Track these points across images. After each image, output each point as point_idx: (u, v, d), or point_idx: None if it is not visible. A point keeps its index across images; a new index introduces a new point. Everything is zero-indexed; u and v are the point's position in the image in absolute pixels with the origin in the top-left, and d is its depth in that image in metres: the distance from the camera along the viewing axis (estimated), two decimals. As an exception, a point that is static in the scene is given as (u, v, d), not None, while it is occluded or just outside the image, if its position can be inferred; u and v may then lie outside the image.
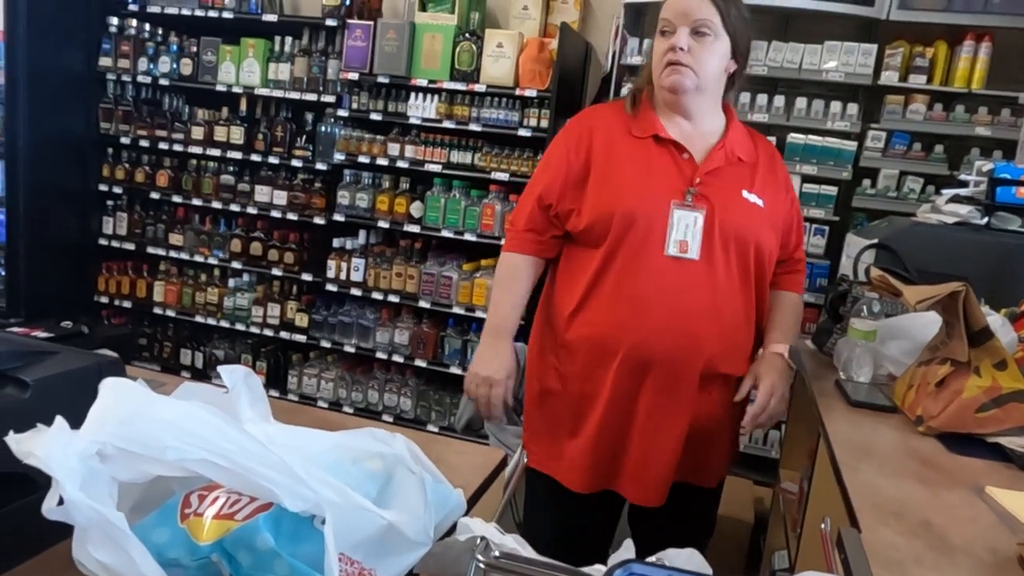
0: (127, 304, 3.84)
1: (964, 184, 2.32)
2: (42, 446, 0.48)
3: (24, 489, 0.71)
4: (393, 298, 3.38)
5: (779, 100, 3.09)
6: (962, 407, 1.38)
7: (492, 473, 1.07)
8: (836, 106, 3.04)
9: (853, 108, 3.04)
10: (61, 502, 0.49)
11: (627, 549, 0.83)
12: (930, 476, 1.25)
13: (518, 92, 3.13)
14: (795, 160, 3.08)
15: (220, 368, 0.66)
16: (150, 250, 3.78)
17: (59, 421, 0.50)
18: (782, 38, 3.07)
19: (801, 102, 3.08)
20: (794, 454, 2.36)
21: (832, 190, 3.08)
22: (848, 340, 1.81)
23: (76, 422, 0.58)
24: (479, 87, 3.17)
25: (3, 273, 3.64)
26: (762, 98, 3.10)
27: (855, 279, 2.12)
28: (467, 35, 3.21)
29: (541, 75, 3.12)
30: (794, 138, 3.09)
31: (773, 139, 3.10)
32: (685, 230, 1.52)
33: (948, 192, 2.33)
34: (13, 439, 0.49)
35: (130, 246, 3.80)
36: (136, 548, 0.51)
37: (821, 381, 1.82)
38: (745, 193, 1.57)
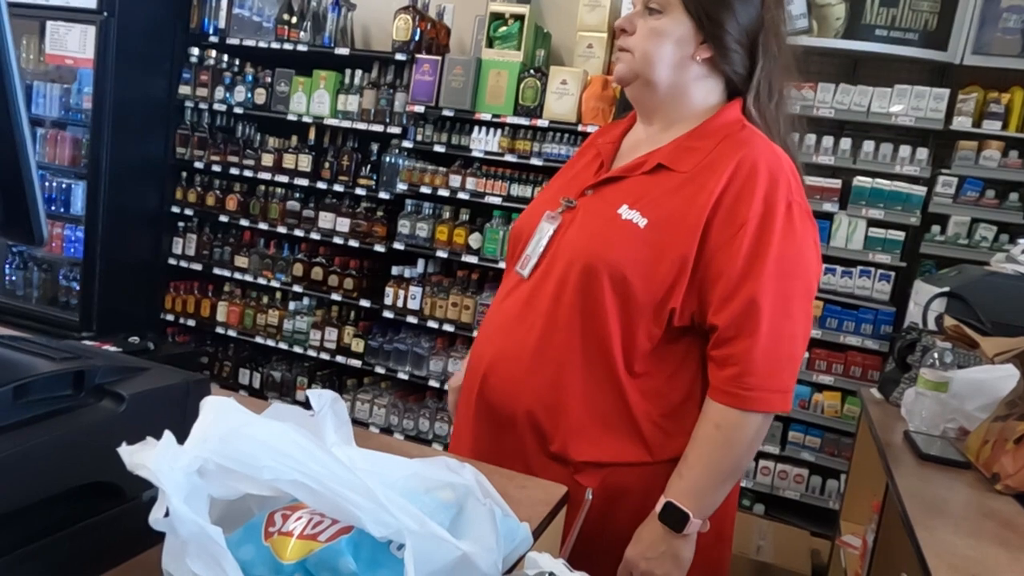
0: (191, 323, 3.96)
1: (1042, 234, 2.25)
2: (152, 459, 0.50)
3: (113, 499, 0.74)
4: (448, 327, 3.41)
5: (845, 143, 3.05)
6: (1044, 467, 1.32)
7: (554, 508, 1.06)
8: (905, 150, 2.99)
9: (923, 153, 2.98)
10: (166, 514, 0.51)
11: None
12: (1010, 538, 1.20)
13: (580, 128, 3.16)
14: (861, 204, 3.03)
15: (309, 392, 0.68)
16: (216, 271, 3.90)
17: (167, 436, 0.52)
18: (850, 81, 3.04)
19: (868, 145, 3.03)
20: (857, 506, 2.28)
21: (899, 235, 3.02)
22: (918, 391, 1.76)
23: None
24: (542, 122, 3.21)
25: (77, 288, 3.80)
26: (828, 140, 3.06)
27: (925, 328, 2.06)
28: (532, 71, 3.27)
29: (604, 112, 3.15)
30: (860, 181, 3.04)
31: (839, 182, 3.06)
32: (536, 245, 1.27)
33: (1025, 242, 2.26)
34: (126, 451, 0.51)
35: (197, 267, 3.93)
36: (230, 564, 0.52)
37: (888, 432, 1.77)
38: (624, 208, 1.18)
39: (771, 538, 2.84)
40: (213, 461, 0.53)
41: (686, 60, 1.21)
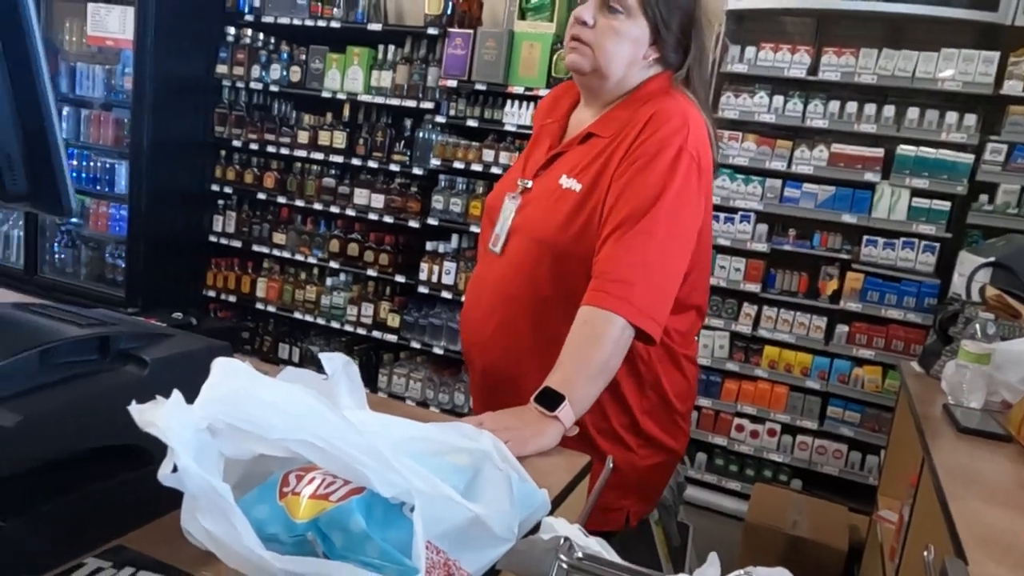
0: (232, 299, 4.04)
1: (1096, 201, 2.16)
2: (161, 417, 0.51)
3: (139, 460, 0.77)
4: (482, 302, 3.42)
5: (888, 110, 2.96)
6: (1087, 439, 1.28)
7: (577, 476, 1.06)
8: (952, 116, 2.89)
9: (971, 119, 2.87)
10: (175, 471, 0.53)
11: (712, 564, 0.81)
12: (1047, 511, 1.16)
13: (614, 100, 3.12)
14: (904, 173, 2.94)
15: (321, 355, 0.69)
16: (255, 248, 3.96)
17: (176, 395, 0.54)
18: (894, 45, 2.94)
19: (913, 112, 2.94)
20: (895, 481, 2.24)
21: (944, 205, 2.92)
22: (958, 363, 1.72)
23: (189, 400, 0.62)
24: (575, 95, 3.17)
25: (123, 265, 3.91)
26: (870, 108, 2.97)
27: (968, 299, 2.00)
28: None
29: (638, 83, 3.10)
30: (904, 150, 2.95)
31: (881, 151, 2.97)
32: (503, 223, 1.40)
33: (1077, 209, 2.17)
34: (136, 409, 0.52)
35: (237, 244, 4.00)
36: (239, 520, 0.53)
37: (927, 405, 1.73)
38: (564, 178, 1.34)
39: (808, 513, 2.80)
40: (222, 420, 0.54)
41: (637, 58, 1.34)
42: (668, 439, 1.42)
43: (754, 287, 3.17)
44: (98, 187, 3.96)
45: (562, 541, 0.75)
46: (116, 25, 3.65)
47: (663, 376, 1.38)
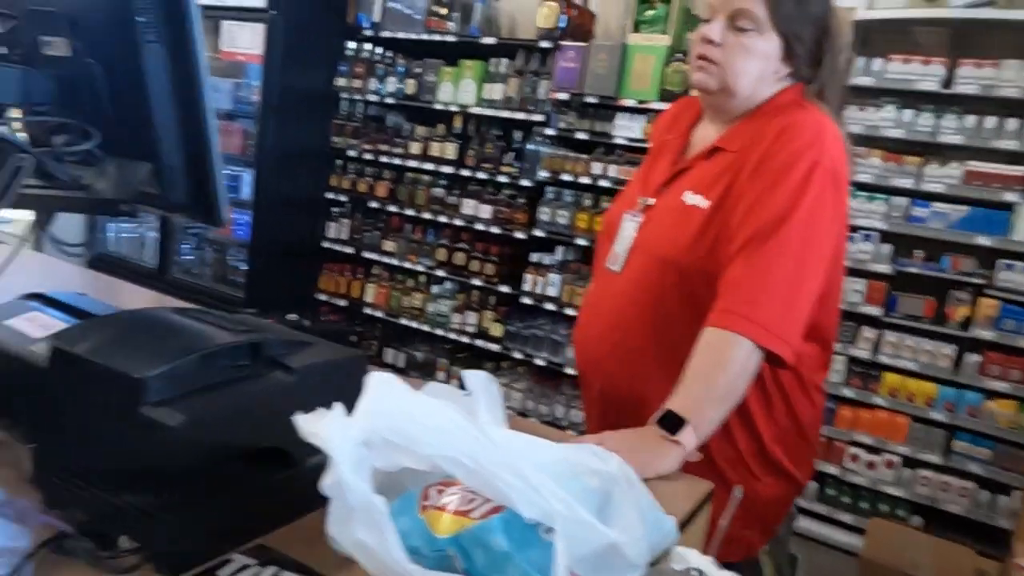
0: (342, 303, 4.18)
1: None
2: (324, 428, 0.53)
3: (284, 463, 0.80)
4: (586, 315, 3.40)
5: (1034, 125, 2.75)
6: None
7: (699, 503, 1.03)
8: (1108, 133, 2.66)
9: None
10: (333, 481, 0.54)
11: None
12: None
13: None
14: (1050, 193, 2.72)
15: (463, 372, 0.70)
16: (365, 254, 4.09)
17: (338, 408, 0.55)
18: (1042, 56, 2.73)
19: (1062, 128, 2.72)
20: (1035, 527, 2.07)
21: (1096, 228, 2.69)
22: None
23: (329, 407, 0.64)
24: (688, 108, 3.12)
25: (243, 267, 4.12)
26: (1012, 123, 2.78)
27: None
28: (679, 56, 3.17)
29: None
30: (1050, 168, 2.73)
31: (1022, 169, 2.77)
32: (623, 241, 1.37)
33: None
34: (300, 419, 0.55)
35: (349, 250, 4.14)
36: (392, 534, 0.54)
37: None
38: (688, 194, 1.29)
39: (930, 553, 2.63)
40: (379, 434, 0.55)
41: (767, 74, 1.30)
42: (794, 469, 1.36)
43: (875, 310, 3.01)
44: (224, 193, 4.19)
45: (693, 572, 0.73)
46: (247, 41, 3.87)
47: (795, 402, 1.32)
